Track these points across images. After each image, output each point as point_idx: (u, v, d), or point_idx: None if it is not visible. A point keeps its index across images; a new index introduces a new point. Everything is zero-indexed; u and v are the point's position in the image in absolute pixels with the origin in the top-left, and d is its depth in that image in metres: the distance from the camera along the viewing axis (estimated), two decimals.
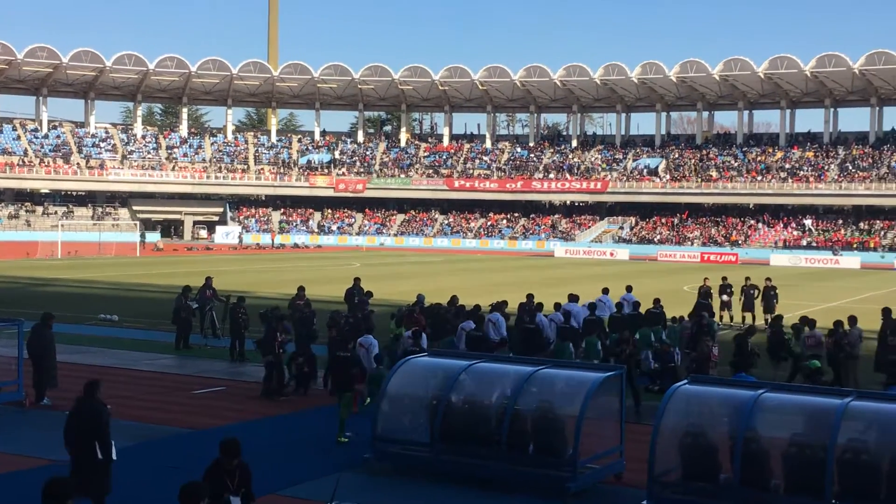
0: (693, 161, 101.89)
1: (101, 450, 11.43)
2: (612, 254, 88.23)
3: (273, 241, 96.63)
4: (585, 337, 22.07)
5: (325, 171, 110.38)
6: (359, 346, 19.32)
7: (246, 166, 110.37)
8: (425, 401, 14.99)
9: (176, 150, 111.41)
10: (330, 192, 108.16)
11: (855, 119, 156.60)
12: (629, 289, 29.76)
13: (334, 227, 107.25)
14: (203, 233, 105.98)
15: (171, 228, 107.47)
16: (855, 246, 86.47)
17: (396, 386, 14.97)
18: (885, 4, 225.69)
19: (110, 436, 11.67)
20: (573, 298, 25.97)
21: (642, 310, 25.57)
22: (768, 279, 34.17)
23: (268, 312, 22.27)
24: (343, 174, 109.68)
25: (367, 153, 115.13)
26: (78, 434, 11.57)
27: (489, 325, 22.36)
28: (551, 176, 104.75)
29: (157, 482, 13.39)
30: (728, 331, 29.27)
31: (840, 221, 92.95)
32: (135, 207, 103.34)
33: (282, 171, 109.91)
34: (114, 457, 11.60)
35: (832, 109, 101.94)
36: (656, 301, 26.58)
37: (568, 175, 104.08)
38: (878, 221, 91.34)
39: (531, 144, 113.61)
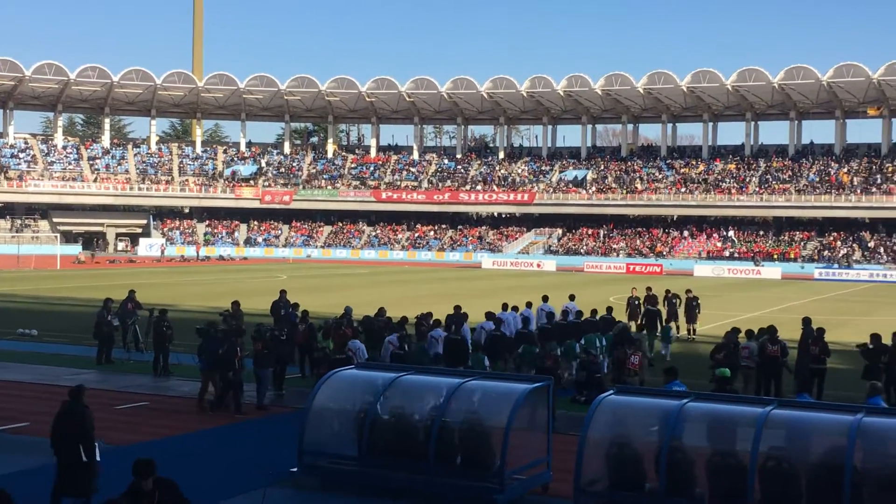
0: (618, 173, 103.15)
1: (85, 452, 12.08)
2: (539, 265, 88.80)
3: (198, 253, 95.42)
4: (524, 345, 22.36)
5: (252, 182, 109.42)
6: (347, 350, 20.16)
7: (170, 178, 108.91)
8: (353, 414, 14.89)
9: (98, 161, 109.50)
10: (256, 204, 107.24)
11: (775, 132, 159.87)
12: (572, 297, 30.05)
13: (260, 239, 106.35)
14: (122, 245, 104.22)
15: (93, 241, 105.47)
16: (776, 257, 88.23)
17: (323, 399, 14.84)
18: (803, 21, 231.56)
19: (94, 439, 12.28)
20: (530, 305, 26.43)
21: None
22: (689, 290, 34.65)
23: (206, 328, 21.89)
24: (269, 186, 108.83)
25: (294, 164, 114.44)
26: (63, 437, 12.21)
27: (432, 341, 22.55)
28: (479, 188, 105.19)
29: None
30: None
31: (761, 232, 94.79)
32: (55, 219, 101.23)
33: (207, 182, 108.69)
34: (97, 458, 12.22)
35: (753, 123, 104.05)
36: (594, 312, 27.05)
37: (495, 187, 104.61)
38: (797, 232, 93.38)
39: (458, 156, 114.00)
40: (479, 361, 21.23)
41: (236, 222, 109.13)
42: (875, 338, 21.33)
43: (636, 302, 32.10)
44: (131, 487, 9.34)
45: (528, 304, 29.14)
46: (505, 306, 27.32)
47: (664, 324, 30.44)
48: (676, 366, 17.20)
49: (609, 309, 28.87)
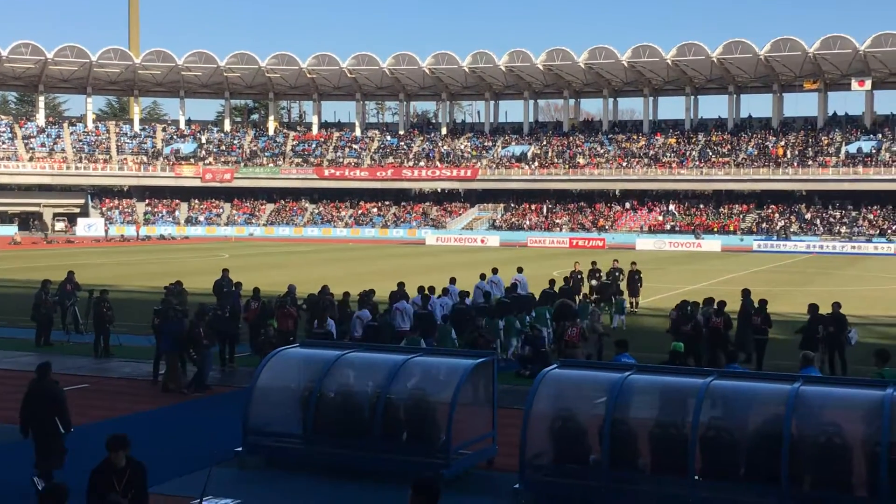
0: (560, 148, 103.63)
1: (62, 425, 12.65)
2: (482, 241, 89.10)
3: (138, 232, 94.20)
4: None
5: (192, 160, 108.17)
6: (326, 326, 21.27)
7: (108, 156, 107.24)
8: (297, 392, 14.85)
9: (33, 139, 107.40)
10: (197, 182, 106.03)
11: (714, 106, 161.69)
12: (520, 270, 30.22)
13: (202, 218, 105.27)
14: (61, 225, 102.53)
15: (29, 221, 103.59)
16: (716, 229, 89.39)
17: (267, 378, 14.77)
18: None
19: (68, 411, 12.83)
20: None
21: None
22: (633, 263, 35.00)
23: (164, 308, 21.62)
24: (210, 164, 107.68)
25: (235, 142, 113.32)
26: (37, 413, 12.70)
27: (396, 313, 22.67)
28: (421, 164, 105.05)
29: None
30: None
31: (701, 206, 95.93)
32: None
33: (146, 161, 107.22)
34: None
35: (693, 97, 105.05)
36: (552, 282, 27.40)
37: (438, 163, 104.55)
38: (736, 206, 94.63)
39: (401, 133, 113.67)
40: (446, 333, 21.51)
41: (177, 201, 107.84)
42: (812, 308, 21.72)
43: (579, 276, 32.34)
44: (103, 464, 9.48)
45: (482, 276, 29.48)
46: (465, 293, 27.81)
47: (615, 296, 30.79)
48: (626, 339, 17.35)
49: (552, 282, 29.07)
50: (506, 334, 23.65)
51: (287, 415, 14.71)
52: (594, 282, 33.21)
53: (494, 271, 30.16)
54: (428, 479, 6.88)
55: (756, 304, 22.70)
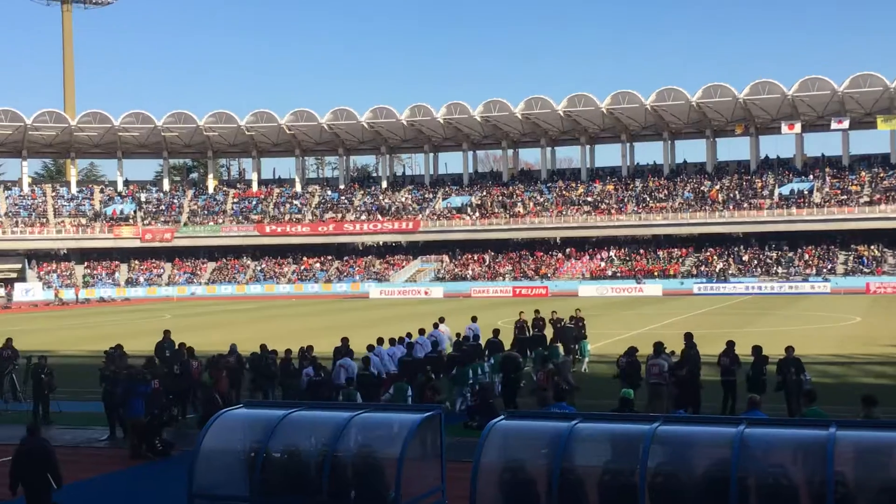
0: (501, 198, 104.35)
1: (55, 481, 13.29)
2: (426, 292, 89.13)
3: (77, 296, 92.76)
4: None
5: (131, 221, 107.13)
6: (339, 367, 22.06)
7: (45, 220, 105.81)
8: (243, 454, 14.64)
9: None
10: (136, 243, 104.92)
11: (650, 152, 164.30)
12: (474, 319, 30.32)
13: (142, 279, 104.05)
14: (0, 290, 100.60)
15: None
16: (656, 274, 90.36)
17: (212, 440, 14.54)
18: (672, 44, 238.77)
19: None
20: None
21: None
22: (577, 310, 35.16)
23: (110, 373, 21.34)
24: (150, 224, 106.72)
25: (174, 201, 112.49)
26: (29, 471, 13.32)
27: (340, 369, 22.56)
28: (363, 218, 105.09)
29: None
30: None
31: (641, 251, 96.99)
32: None
33: (84, 223, 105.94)
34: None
35: (628, 144, 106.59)
36: (496, 331, 27.41)
37: (379, 216, 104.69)
38: (675, 249, 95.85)
39: (342, 187, 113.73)
40: (401, 390, 21.38)
41: (116, 263, 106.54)
42: (756, 350, 21.83)
43: (524, 325, 32.40)
44: None
45: (436, 325, 29.55)
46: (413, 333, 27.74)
47: (568, 343, 30.98)
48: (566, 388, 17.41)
49: (496, 331, 29.16)
50: (455, 386, 23.62)
51: (233, 477, 14.47)
52: (537, 331, 33.24)
53: (441, 320, 30.39)
54: None
55: (724, 346, 22.62)
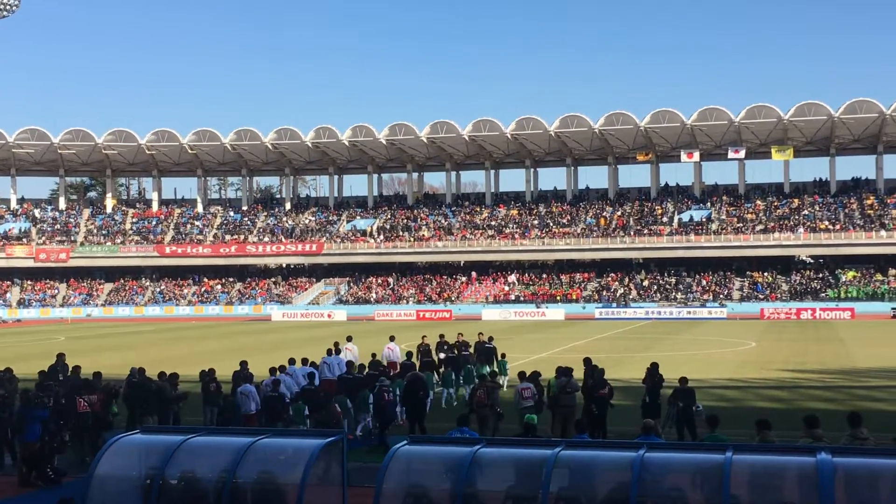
0: (405, 221, 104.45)
1: None
2: (329, 315, 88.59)
3: None
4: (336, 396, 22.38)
5: (24, 240, 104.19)
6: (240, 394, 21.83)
7: None
8: (139, 481, 14.24)
9: None
10: (30, 263, 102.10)
11: (553, 178, 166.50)
12: (392, 338, 30.54)
13: (35, 300, 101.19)
14: None
15: None
16: (559, 298, 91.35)
17: (106, 467, 14.12)
18: (575, 71, 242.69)
19: None
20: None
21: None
22: (480, 333, 35.26)
23: (32, 396, 20.55)
24: (44, 243, 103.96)
25: (71, 221, 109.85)
26: None
27: (242, 397, 22.17)
28: (266, 239, 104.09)
29: None
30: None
31: (544, 275, 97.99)
32: None
33: None
34: None
35: (532, 169, 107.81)
36: (409, 354, 27.42)
37: (283, 238, 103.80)
38: (577, 274, 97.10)
39: (244, 208, 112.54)
40: (299, 412, 21.15)
41: (7, 283, 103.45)
42: (650, 373, 22.16)
43: (426, 349, 32.34)
44: None
45: (337, 351, 29.36)
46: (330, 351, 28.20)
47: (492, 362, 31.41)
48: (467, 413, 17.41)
49: (409, 354, 29.23)
50: (357, 410, 23.40)
51: None
52: (442, 354, 33.22)
53: (349, 338, 30.58)
54: None
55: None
